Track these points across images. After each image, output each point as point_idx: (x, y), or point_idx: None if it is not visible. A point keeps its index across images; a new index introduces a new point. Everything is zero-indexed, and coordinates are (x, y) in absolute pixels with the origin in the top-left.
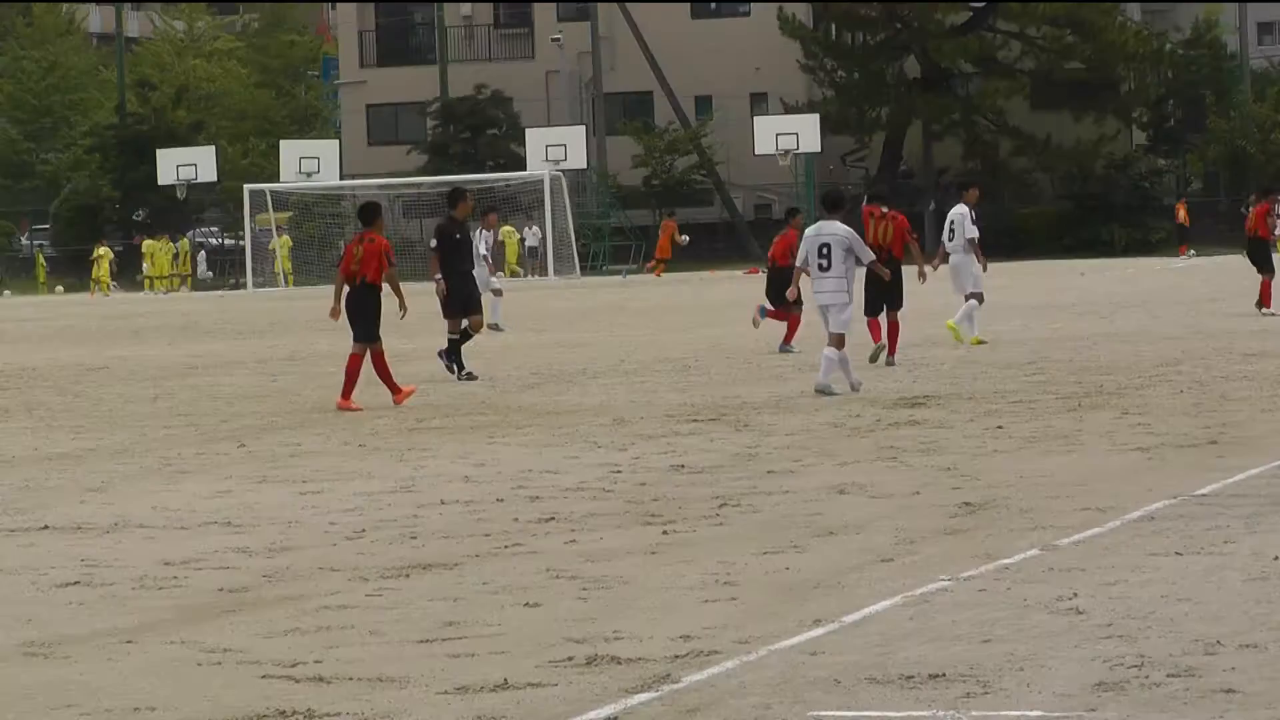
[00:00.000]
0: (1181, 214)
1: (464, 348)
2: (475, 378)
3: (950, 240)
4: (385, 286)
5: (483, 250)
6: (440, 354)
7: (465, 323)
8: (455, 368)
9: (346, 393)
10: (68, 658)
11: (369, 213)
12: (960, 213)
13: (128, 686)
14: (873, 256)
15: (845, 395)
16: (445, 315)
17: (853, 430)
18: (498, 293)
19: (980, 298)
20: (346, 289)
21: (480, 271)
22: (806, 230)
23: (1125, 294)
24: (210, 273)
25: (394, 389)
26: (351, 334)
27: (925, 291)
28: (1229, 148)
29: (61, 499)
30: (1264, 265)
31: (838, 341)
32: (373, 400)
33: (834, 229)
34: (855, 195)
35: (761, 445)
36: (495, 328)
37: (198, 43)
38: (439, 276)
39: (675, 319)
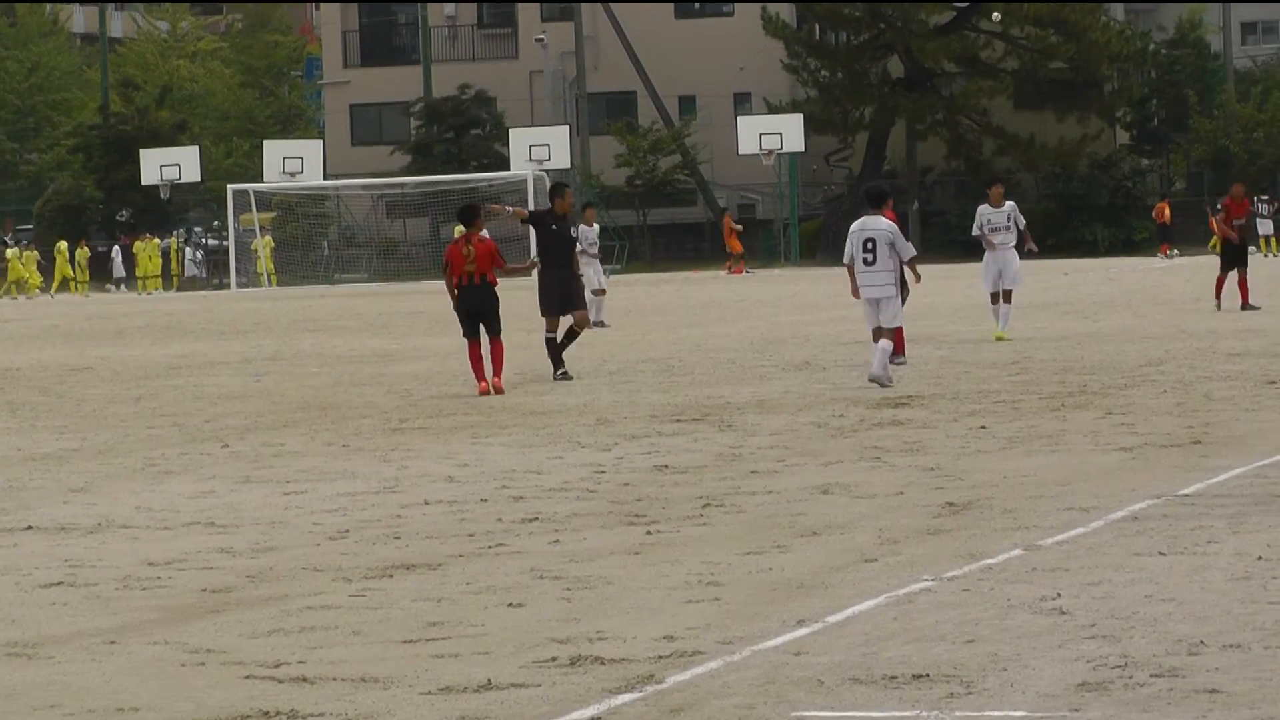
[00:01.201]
0: (1165, 214)
1: (570, 344)
2: (570, 378)
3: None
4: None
5: (581, 245)
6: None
7: (568, 320)
8: (554, 367)
9: (497, 371)
10: (51, 658)
11: (471, 214)
12: (1013, 209)
13: (111, 687)
14: (914, 253)
15: (843, 394)
16: (542, 313)
17: (836, 430)
18: (599, 292)
19: (1008, 296)
20: (457, 290)
21: (589, 268)
22: (851, 226)
23: (1108, 294)
24: (201, 258)
25: (480, 377)
26: (477, 329)
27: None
28: (1212, 147)
29: (45, 499)
30: (1241, 262)
31: (887, 335)
32: (356, 399)
33: (878, 224)
34: (838, 195)
35: (745, 445)
36: (599, 324)
37: (181, 43)
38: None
39: (658, 319)
